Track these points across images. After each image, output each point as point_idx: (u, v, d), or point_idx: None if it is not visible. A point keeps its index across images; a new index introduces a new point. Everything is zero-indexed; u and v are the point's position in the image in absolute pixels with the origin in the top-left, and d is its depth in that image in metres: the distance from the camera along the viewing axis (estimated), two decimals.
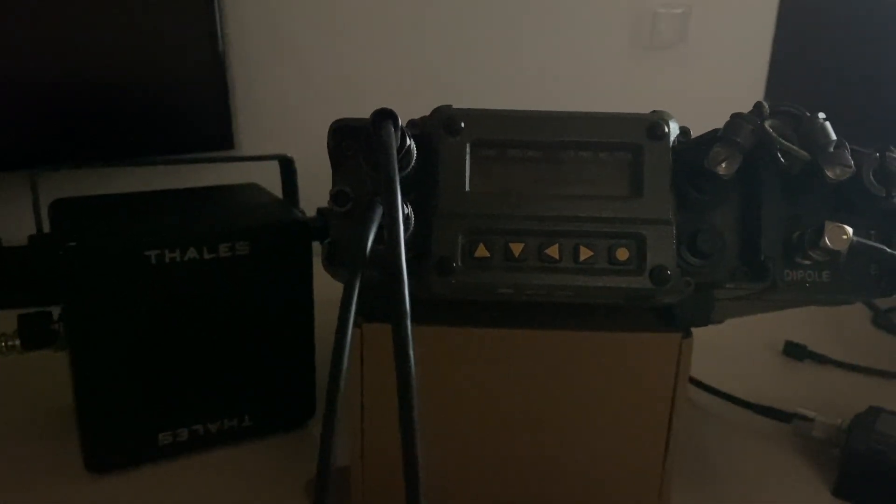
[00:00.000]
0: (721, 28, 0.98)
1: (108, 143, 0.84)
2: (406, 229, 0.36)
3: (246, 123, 0.92)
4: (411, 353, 0.27)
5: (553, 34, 0.99)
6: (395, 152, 0.31)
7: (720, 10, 0.98)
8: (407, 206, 0.35)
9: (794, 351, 0.73)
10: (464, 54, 0.98)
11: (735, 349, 0.72)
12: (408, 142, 0.35)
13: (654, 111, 0.39)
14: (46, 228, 0.50)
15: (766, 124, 0.37)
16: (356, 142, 0.39)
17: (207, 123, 0.88)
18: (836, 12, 0.89)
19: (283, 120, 0.94)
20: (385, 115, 0.32)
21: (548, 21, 0.99)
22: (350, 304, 0.25)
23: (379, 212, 0.31)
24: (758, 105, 0.37)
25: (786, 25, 0.91)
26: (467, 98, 0.97)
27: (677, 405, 0.44)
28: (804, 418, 0.57)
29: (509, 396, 0.44)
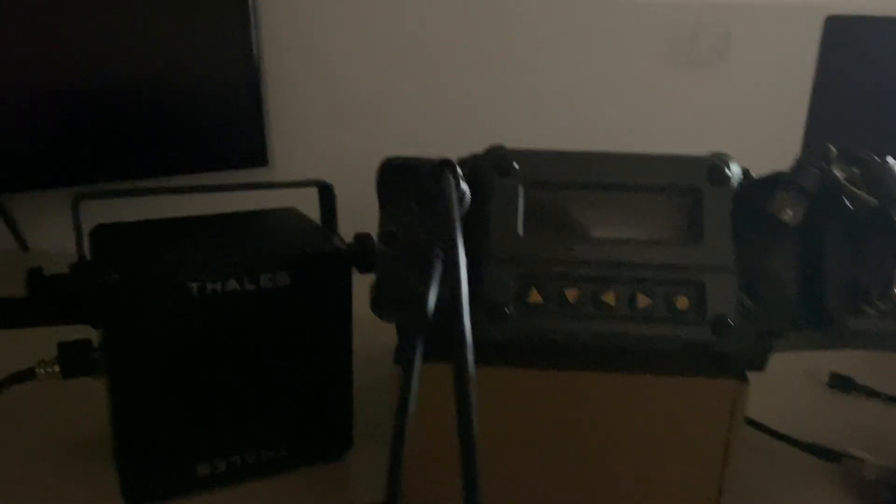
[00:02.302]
0: (763, 48, 0.96)
1: (144, 160, 0.84)
2: None
3: (280, 140, 0.92)
4: (473, 413, 0.26)
5: (590, 52, 0.98)
6: (457, 211, 0.30)
7: (762, 29, 0.96)
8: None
9: (840, 383, 0.71)
10: (498, 73, 0.97)
11: (777, 380, 0.70)
12: (464, 189, 0.34)
13: (713, 153, 0.37)
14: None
15: (834, 168, 0.35)
16: (406, 180, 0.38)
17: (242, 140, 0.88)
18: (884, 36, 0.87)
19: (317, 137, 0.94)
20: (445, 166, 0.31)
21: (584, 40, 0.98)
22: (410, 387, 0.24)
23: (439, 269, 0.30)
24: (824, 148, 0.36)
25: (830, 47, 0.89)
26: (502, 118, 0.97)
27: (731, 451, 0.43)
28: (855, 458, 0.55)
29: (561, 438, 0.43)
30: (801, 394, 0.70)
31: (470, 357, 0.27)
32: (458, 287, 0.28)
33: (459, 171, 0.32)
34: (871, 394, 0.70)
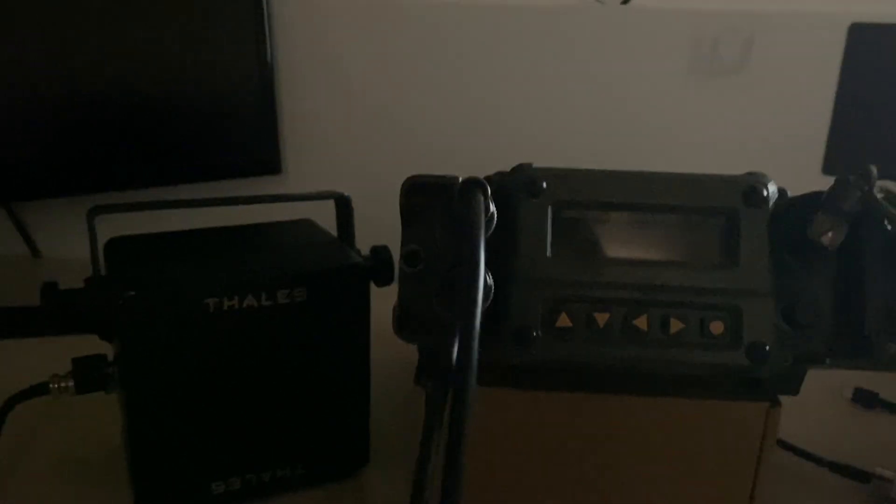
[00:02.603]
0: (786, 55, 0.94)
1: (156, 167, 0.84)
2: (486, 298, 0.34)
3: (293, 148, 0.91)
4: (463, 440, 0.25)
5: (608, 60, 0.96)
6: (483, 230, 0.29)
7: (785, 36, 0.94)
8: (489, 277, 0.33)
9: (865, 398, 0.69)
10: (518, 84, 0.96)
11: (800, 395, 0.68)
12: (491, 208, 0.33)
13: (750, 172, 0.36)
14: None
15: (875, 190, 0.34)
16: (431, 200, 0.37)
17: (255, 147, 0.87)
18: None
19: (331, 145, 0.93)
20: (475, 186, 0.30)
21: (602, 47, 0.96)
22: (433, 427, 0.23)
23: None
24: (866, 170, 0.35)
25: (854, 56, 0.87)
26: (519, 126, 0.96)
27: (761, 475, 0.42)
28: (884, 479, 0.54)
29: (590, 461, 0.42)
30: (826, 409, 0.69)
31: (471, 385, 0.25)
32: (472, 310, 0.26)
33: (489, 191, 0.31)
34: None
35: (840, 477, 0.56)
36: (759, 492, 0.42)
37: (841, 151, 0.87)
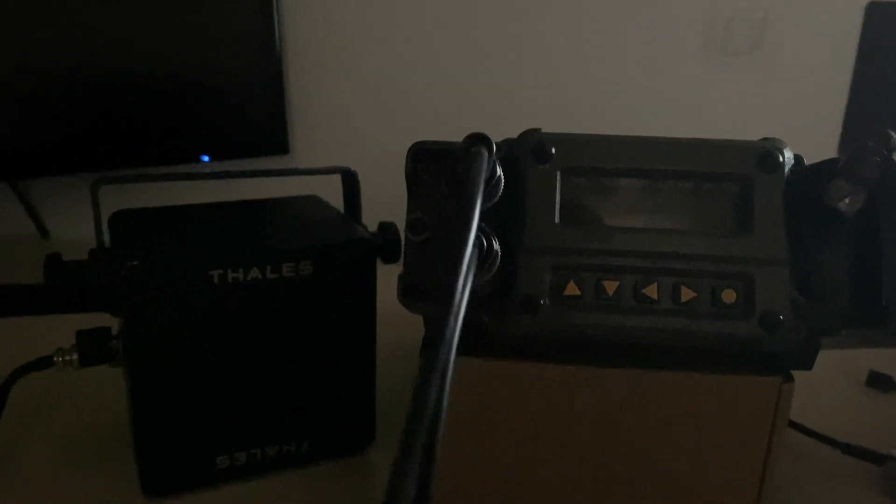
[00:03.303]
0: (801, 33, 0.93)
1: (164, 147, 0.83)
2: (492, 267, 0.33)
3: (301, 129, 0.90)
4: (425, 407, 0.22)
5: (623, 39, 0.95)
6: (482, 181, 0.28)
7: (800, 14, 0.92)
8: (496, 242, 0.32)
9: (879, 382, 0.68)
10: (528, 61, 0.94)
11: (814, 378, 0.67)
12: (498, 171, 0.32)
13: (766, 138, 0.35)
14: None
15: (895, 156, 0.33)
16: (436, 165, 0.36)
17: (263, 128, 0.86)
18: None
19: (339, 126, 0.92)
20: (479, 140, 0.29)
21: (617, 26, 0.95)
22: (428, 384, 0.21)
23: (473, 257, 0.28)
24: (885, 135, 0.34)
25: (871, 34, 0.85)
26: (530, 107, 0.94)
27: (773, 452, 0.41)
28: None
29: (598, 436, 0.41)
30: (840, 392, 0.68)
31: (450, 349, 0.23)
32: (458, 266, 0.25)
33: (494, 148, 0.30)
34: None
35: (854, 459, 0.55)
36: (770, 471, 0.41)
37: (857, 132, 0.86)
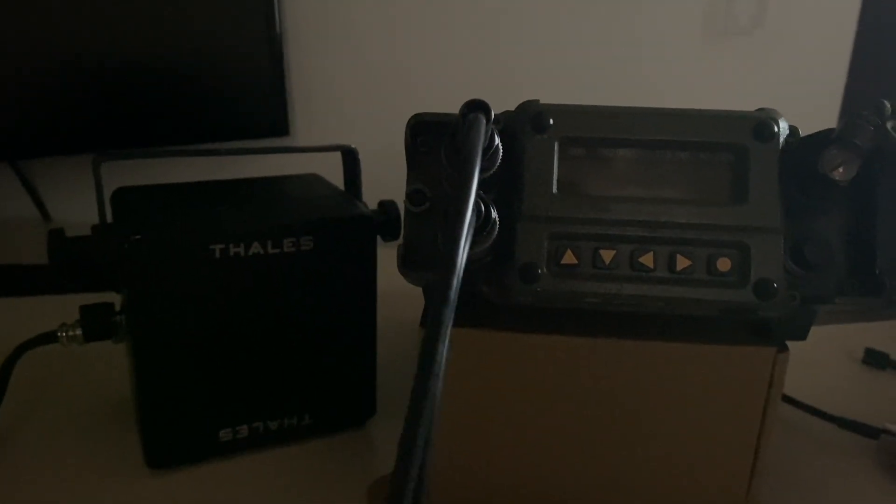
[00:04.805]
0: (802, 13, 0.92)
1: (165, 127, 0.83)
2: (491, 234, 0.33)
3: (302, 110, 0.91)
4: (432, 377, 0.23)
5: (624, 18, 0.95)
6: (480, 148, 0.28)
7: None
8: (494, 210, 0.33)
9: (876, 359, 0.69)
10: (528, 40, 0.94)
11: (811, 355, 0.68)
12: (496, 140, 0.32)
13: (761, 108, 0.35)
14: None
15: (889, 125, 0.33)
16: (436, 138, 0.36)
17: (263, 110, 0.86)
18: None
19: (340, 107, 0.92)
20: (477, 107, 0.30)
21: (618, 6, 0.95)
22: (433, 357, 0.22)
23: (472, 221, 0.28)
24: (879, 104, 0.34)
25: (872, 11, 0.85)
26: (531, 86, 0.95)
27: (767, 423, 0.41)
28: (892, 434, 0.54)
29: (593, 407, 0.42)
30: (836, 370, 0.68)
31: (447, 316, 0.23)
32: (458, 225, 0.25)
33: (493, 115, 0.30)
34: None
35: (848, 433, 0.56)
36: (765, 442, 0.42)
37: (858, 109, 0.86)
